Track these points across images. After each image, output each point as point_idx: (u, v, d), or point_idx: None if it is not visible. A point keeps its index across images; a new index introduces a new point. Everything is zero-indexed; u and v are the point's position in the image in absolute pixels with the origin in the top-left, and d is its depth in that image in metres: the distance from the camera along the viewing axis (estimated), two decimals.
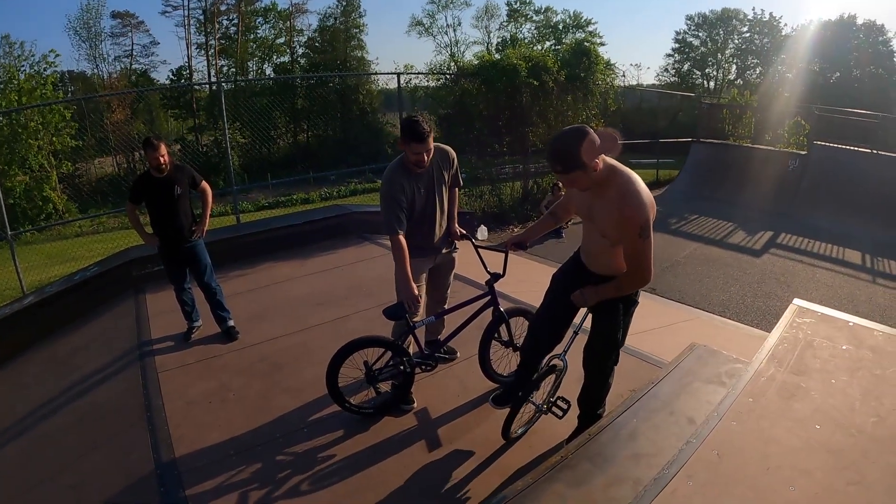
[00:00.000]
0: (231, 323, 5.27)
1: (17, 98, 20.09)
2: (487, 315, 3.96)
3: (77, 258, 11.18)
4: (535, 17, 41.39)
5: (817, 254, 10.18)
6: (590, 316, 3.27)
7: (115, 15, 34.64)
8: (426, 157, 3.59)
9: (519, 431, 3.64)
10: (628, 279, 2.93)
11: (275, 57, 38.11)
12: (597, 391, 3.44)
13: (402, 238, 3.57)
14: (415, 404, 4.01)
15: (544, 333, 3.48)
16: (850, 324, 3.72)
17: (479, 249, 3.91)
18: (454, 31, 40.90)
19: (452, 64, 13.22)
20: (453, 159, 3.90)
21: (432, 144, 3.59)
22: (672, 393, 3.44)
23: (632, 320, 3.28)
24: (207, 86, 31.45)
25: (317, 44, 37.89)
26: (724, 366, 3.73)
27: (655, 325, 5.58)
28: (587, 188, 2.91)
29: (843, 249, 10.31)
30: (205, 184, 5.22)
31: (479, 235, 3.89)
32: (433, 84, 12.47)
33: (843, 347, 3.42)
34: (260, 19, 37.15)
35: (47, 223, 17.75)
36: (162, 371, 4.68)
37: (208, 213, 5.25)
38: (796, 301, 4.06)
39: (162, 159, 4.79)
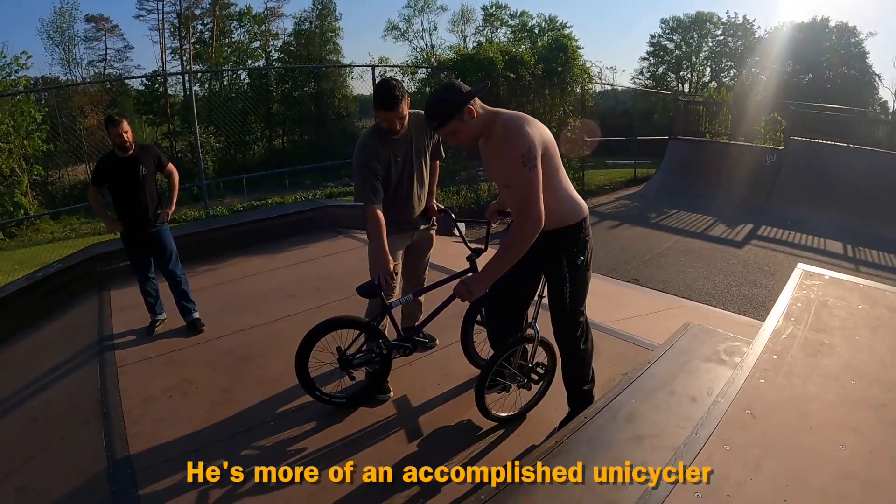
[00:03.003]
0: (196, 315, 4.98)
1: None
2: None
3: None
4: (510, 22, 41.44)
5: (799, 244, 10.19)
6: None
7: (88, 19, 33.65)
8: (398, 125, 3.37)
9: (505, 415, 3.38)
10: (516, 226, 2.66)
11: (249, 62, 37.73)
12: (573, 364, 3.20)
13: (377, 209, 3.35)
14: (391, 394, 3.74)
15: (498, 316, 3.29)
16: (861, 285, 3.69)
17: (458, 223, 3.68)
18: (430, 35, 40.66)
19: (432, 58, 13.01)
20: None
21: (406, 111, 3.36)
22: (670, 372, 3.27)
23: (587, 281, 3.02)
24: (182, 91, 30.99)
25: (292, 47, 37.59)
26: (723, 344, 3.58)
27: (642, 311, 5.39)
28: (472, 140, 2.80)
29: (823, 240, 10.35)
30: (171, 166, 5.02)
31: (454, 232, 3.70)
32: (408, 80, 12.23)
33: (859, 307, 3.35)
34: (235, 23, 36.73)
35: (16, 226, 17.30)
36: (121, 366, 4.38)
37: (175, 196, 5.05)
38: (801, 265, 3.97)
39: (125, 135, 4.58)
